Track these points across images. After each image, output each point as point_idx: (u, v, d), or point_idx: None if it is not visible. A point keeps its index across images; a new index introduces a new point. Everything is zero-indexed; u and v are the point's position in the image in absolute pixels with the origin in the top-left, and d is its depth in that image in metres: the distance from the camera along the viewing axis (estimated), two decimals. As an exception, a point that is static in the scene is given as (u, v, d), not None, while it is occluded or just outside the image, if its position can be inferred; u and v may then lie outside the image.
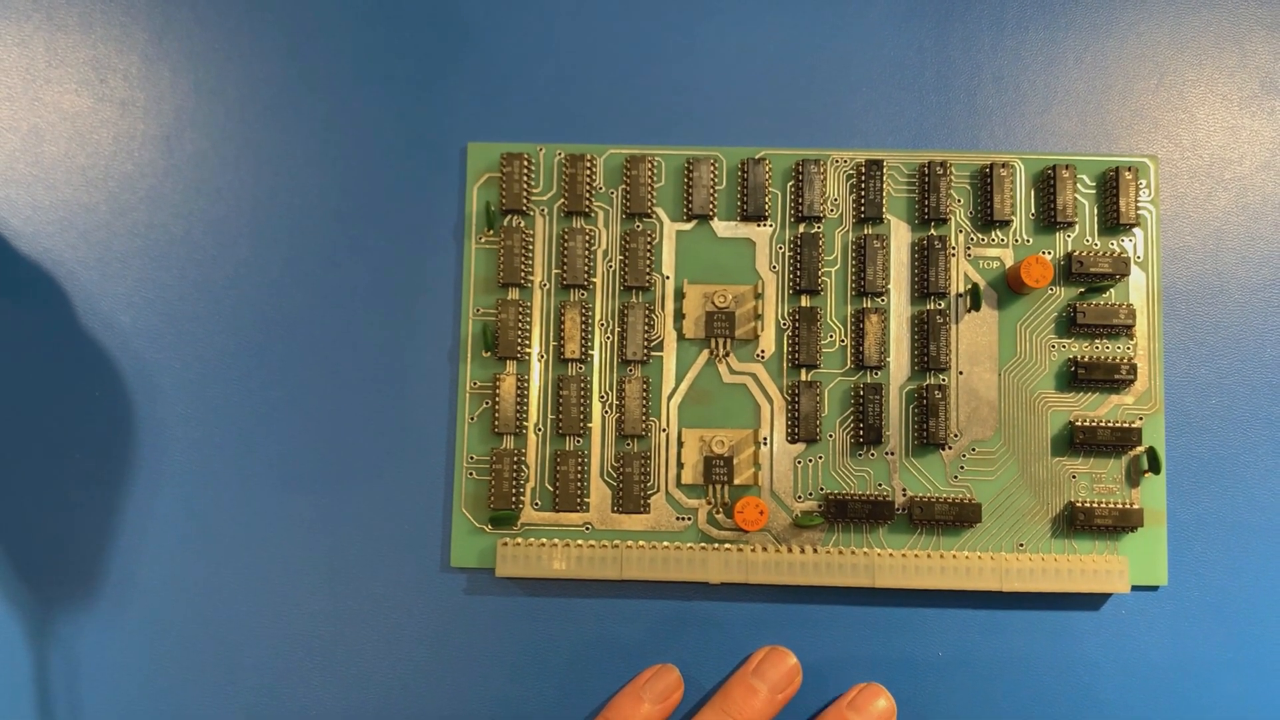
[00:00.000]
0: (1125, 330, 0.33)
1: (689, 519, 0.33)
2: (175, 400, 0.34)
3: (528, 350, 0.34)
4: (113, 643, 0.34)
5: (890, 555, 0.33)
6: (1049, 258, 0.33)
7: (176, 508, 0.34)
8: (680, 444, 0.34)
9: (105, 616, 0.34)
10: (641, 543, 0.33)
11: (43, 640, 0.34)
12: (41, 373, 0.35)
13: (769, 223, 0.34)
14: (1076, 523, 0.33)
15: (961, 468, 0.33)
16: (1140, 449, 0.33)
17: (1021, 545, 0.33)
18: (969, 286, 0.34)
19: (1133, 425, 0.33)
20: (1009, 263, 0.34)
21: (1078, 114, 0.35)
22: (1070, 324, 0.33)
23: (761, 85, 0.35)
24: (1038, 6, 0.35)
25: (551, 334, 0.34)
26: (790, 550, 0.33)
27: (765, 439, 0.34)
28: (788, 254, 0.34)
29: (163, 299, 0.35)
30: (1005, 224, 0.34)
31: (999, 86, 0.35)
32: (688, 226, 0.34)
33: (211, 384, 0.34)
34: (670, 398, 0.34)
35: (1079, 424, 0.33)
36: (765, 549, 0.33)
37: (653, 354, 0.34)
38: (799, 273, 0.34)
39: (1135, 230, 0.34)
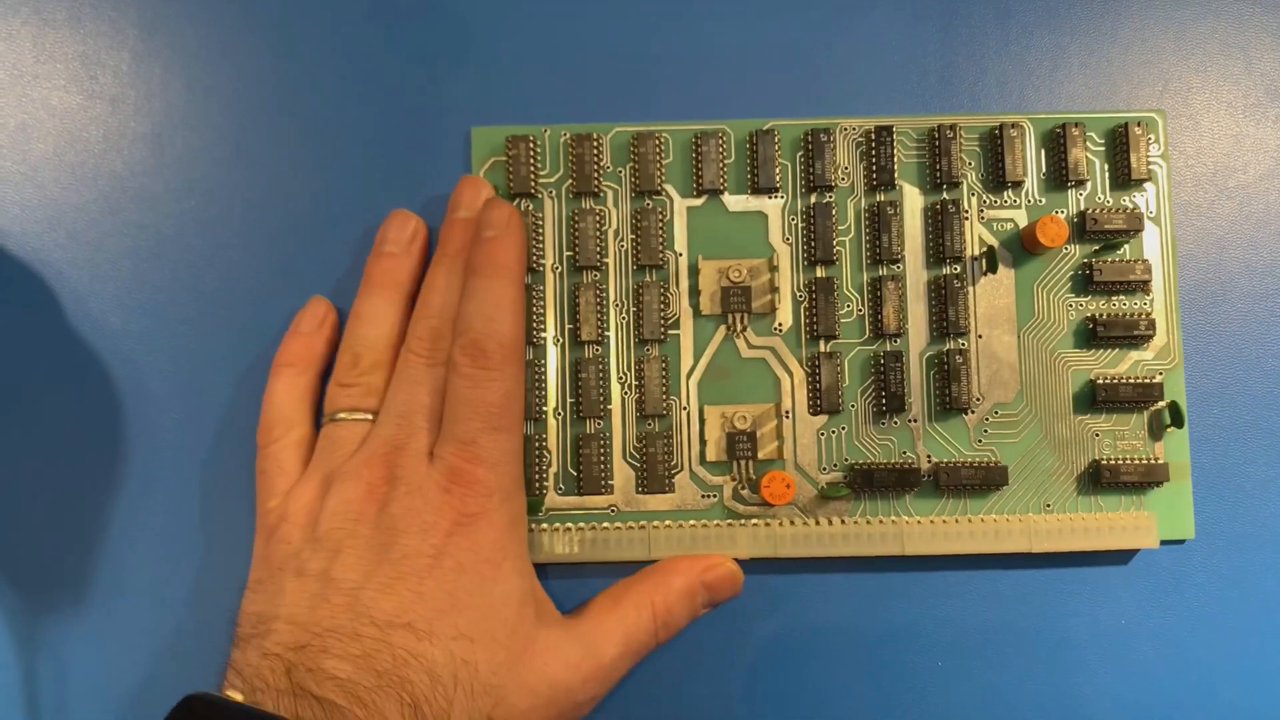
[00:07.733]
0: (1142, 286, 0.33)
1: (714, 496, 0.33)
2: (166, 405, 0.34)
3: (543, 334, 0.33)
4: (102, 651, 0.33)
5: (918, 522, 0.32)
6: (1062, 216, 0.33)
7: (168, 514, 0.33)
8: (702, 421, 0.33)
9: (95, 624, 0.33)
10: (668, 522, 0.33)
11: (31, 648, 0.32)
12: (29, 375, 0.33)
13: (780, 195, 0.34)
14: (1102, 480, 0.33)
15: (985, 431, 0.33)
16: (1162, 403, 0.33)
17: (1048, 505, 0.33)
18: (984, 249, 0.33)
19: (1154, 380, 0.33)
20: (1022, 224, 0.34)
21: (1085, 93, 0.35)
22: (1087, 282, 0.33)
23: (766, 56, 0.35)
24: (1043, 11, 0.35)
25: (566, 317, 0.33)
26: (818, 522, 0.32)
27: (787, 412, 0.33)
28: (801, 225, 0.34)
29: (154, 301, 0.34)
30: (1017, 185, 0.34)
31: (1004, 64, 0.35)
32: (698, 202, 0.34)
33: (204, 388, 0.34)
34: (689, 375, 0.33)
35: (1100, 381, 0.33)
36: (793, 522, 0.32)
37: (669, 332, 0.33)
38: (813, 243, 0.33)
39: (1147, 185, 0.34)
